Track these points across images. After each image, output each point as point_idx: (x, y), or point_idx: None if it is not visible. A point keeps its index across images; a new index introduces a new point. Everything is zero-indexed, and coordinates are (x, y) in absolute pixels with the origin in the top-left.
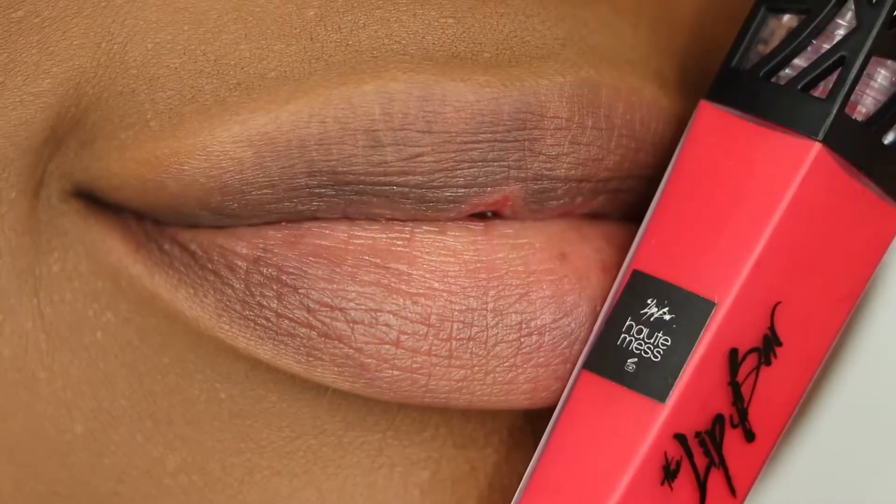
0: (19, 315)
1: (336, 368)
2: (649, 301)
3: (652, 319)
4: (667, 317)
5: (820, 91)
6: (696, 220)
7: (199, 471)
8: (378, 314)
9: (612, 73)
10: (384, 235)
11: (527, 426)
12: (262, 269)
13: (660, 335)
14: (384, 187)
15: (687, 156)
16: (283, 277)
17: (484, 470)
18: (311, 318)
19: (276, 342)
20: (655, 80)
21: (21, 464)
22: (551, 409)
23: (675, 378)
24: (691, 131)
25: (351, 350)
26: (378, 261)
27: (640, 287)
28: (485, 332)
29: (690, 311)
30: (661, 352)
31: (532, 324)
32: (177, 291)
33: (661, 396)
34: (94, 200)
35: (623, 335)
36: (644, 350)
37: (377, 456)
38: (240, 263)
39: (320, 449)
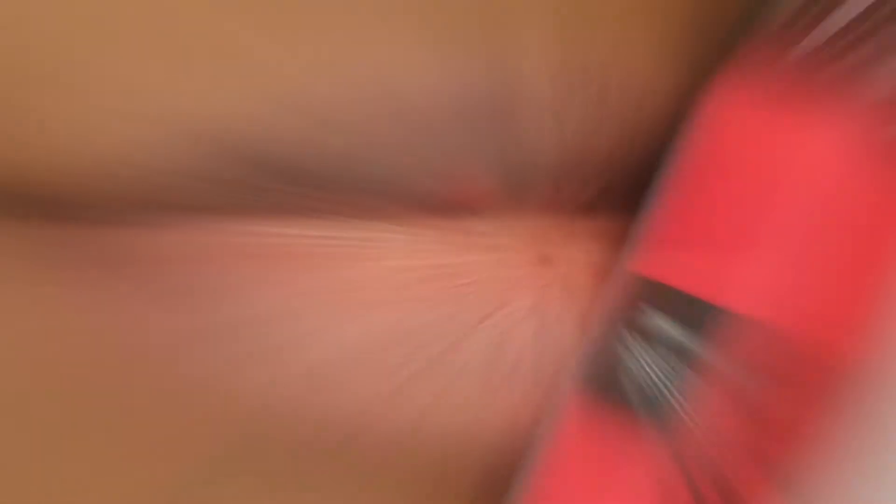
0: None
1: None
2: (653, 310)
3: (655, 332)
4: (673, 330)
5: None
6: (713, 215)
7: None
8: (334, 329)
9: (605, 50)
10: (342, 235)
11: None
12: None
13: (664, 351)
14: (346, 179)
15: (702, 140)
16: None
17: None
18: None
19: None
20: (655, 59)
21: None
22: (535, 433)
23: (681, 400)
24: (707, 112)
25: (304, 367)
26: (333, 265)
27: (642, 294)
28: (457, 347)
29: (702, 322)
30: (665, 370)
31: (512, 338)
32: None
33: (665, 420)
34: None
35: (620, 350)
36: (646, 367)
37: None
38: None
39: None
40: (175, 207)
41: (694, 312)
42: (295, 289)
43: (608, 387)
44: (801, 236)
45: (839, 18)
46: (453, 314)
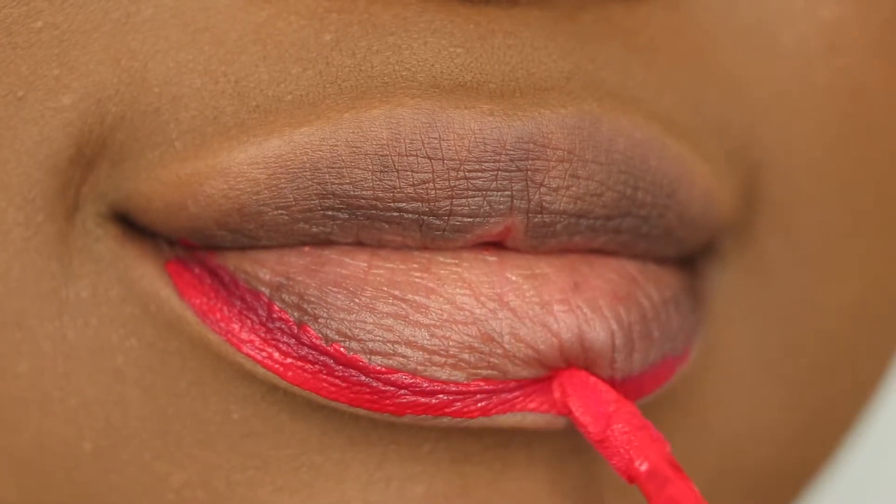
0: (38, 336)
1: (352, 395)
2: None
3: None
4: None
5: None
6: None
7: (204, 487)
8: (395, 345)
9: (616, 107)
10: (403, 266)
11: (521, 447)
12: (283, 296)
13: None
14: (393, 213)
15: None
16: (304, 306)
17: (476, 487)
18: (329, 348)
19: (294, 369)
20: (661, 120)
21: (28, 475)
22: (559, 433)
23: None
24: None
25: (368, 378)
26: (396, 292)
27: None
28: (500, 362)
29: None
30: None
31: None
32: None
33: None
34: (130, 224)
35: None
36: None
37: (376, 470)
38: (263, 290)
39: (323, 464)
40: (269, 234)
41: None
42: (373, 310)
43: None
44: None
45: None
46: (501, 331)
